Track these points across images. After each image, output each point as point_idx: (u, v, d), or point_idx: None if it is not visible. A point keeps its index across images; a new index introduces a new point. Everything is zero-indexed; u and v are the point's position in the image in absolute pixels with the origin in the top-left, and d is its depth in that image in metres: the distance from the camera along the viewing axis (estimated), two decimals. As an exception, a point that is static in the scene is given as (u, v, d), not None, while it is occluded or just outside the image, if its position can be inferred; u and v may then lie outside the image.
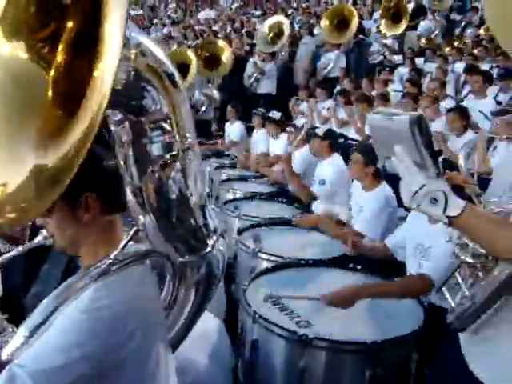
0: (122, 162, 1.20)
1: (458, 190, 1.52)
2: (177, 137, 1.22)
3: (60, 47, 1.04)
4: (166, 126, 1.20)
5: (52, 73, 1.03)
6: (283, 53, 10.03)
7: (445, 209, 1.33)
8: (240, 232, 3.59)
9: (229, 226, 4.09)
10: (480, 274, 1.53)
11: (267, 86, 9.20)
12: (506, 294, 1.49)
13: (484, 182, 1.92)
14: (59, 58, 1.04)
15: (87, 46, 0.96)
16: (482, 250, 1.49)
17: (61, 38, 1.03)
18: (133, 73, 1.10)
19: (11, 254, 1.52)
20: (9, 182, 0.96)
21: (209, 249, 1.35)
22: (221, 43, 8.95)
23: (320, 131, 4.40)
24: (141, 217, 1.26)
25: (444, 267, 2.45)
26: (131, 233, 1.26)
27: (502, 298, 1.51)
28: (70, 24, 1.03)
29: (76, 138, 0.92)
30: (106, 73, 0.91)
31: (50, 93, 1.02)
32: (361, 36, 9.91)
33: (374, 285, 2.50)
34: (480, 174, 4.39)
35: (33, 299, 2.59)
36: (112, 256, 1.22)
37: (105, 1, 0.92)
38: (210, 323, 2.19)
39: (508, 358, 1.55)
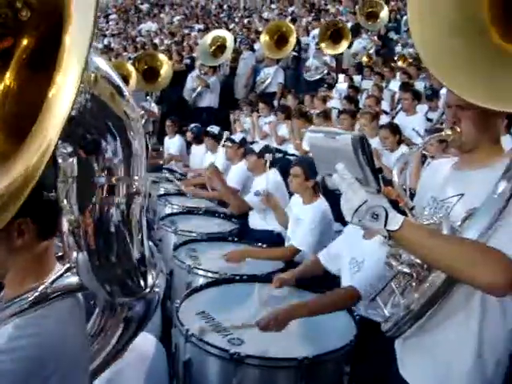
0: (62, 196, 1.16)
1: (394, 204, 1.58)
2: (124, 180, 1.18)
3: (12, 65, 0.98)
4: (115, 167, 1.16)
5: (2, 92, 0.97)
6: (226, 66, 10.12)
7: (385, 223, 1.38)
8: (176, 247, 3.55)
9: (165, 241, 4.05)
10: (414, 283, 1.60)
11: (209, 100, 9.22)
12: (439, 301, 1.56)
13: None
14: (9, 77, 0.98)
15: (43, 66, 0.90)
16: (417, 260, 1.56)
17: (14, 56, 0.98)
18: (90, 99, 1.06)
19: None
20: None
21: (147, 290, 1.32)
22: (160, 56, 8.86)
23: (257, 147, 4.43)
24: (74, 253, 1.22)
25: (373, 279, 2.54)
26: (62, 270, 1.24)
27: (436, 305, 1.57)
28: (25, 41, 0.98)
29: (25, 165, 0.86)
30: (63, 97, 0.84)
31: None
32: (294, 53, 10.15)
33: (305, 305, 2.52)
34: (414, 190, 4.66)
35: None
36: (39, 290, 1.18)
37: (68, 18, 0.86)
38: (147, 343, 2.15)
39: (441, 363, 1.62)
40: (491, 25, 1.45)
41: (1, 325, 1.13)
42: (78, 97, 0.84)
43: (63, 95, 0.84)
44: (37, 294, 1.17)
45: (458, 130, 1.61)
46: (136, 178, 1.20)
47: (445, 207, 1.63)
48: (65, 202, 1.16)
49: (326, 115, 6.36)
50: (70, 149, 1.11)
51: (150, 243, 1.38)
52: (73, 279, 1.26)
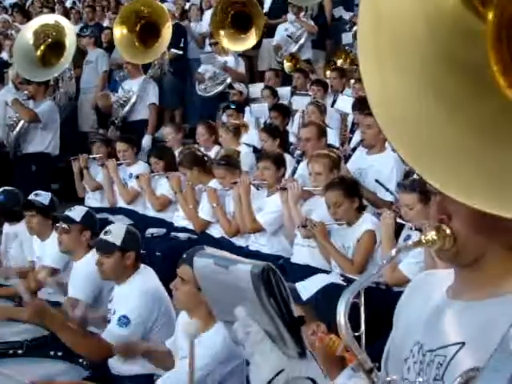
0: None
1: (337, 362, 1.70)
2: None
3: None
4: None
5: None
6: (67, 79, 9.98)
7: None
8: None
9: None
10: None
11: (41, 141, 9.04)
12: None
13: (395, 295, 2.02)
14: None
15: None
16: None
17: None
18: None
19: None
20: None
21: None
22: None
23: (115, 235, 4.53)
24: None
25: None
26: None
27: None
28: None
29: None
30: None
31: None
32: (175, 51, 10.33)
33: None
34: (390, 286, 4.68)
35: None
36: None
37: None
38: None
39: None
40: (500, 75, 1.43)
41: None
42: None
43: None
44: None
45: (448, 231, 1.59)
46: None
47: (435, 363, 1.64)
48: None
49: (229, 163, 6.50)
50: None
51: None
52: None
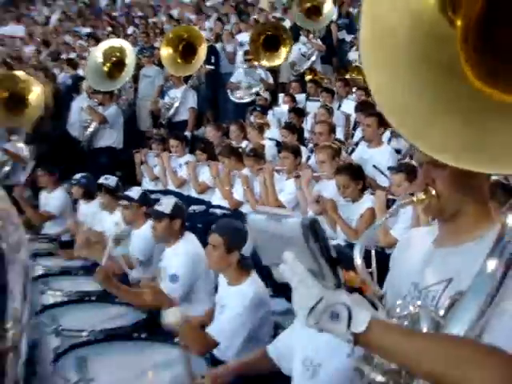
0: None
1: (358, 293, 1.68)
2: None
3: None
4: None
5: None
6: (128, 89, 10.13)
7: (349, 325, 1.47)
8: (57, 357, 3.46)
9: (42, 347, 3.94)
10: None
11: (109, 138, 9.15)
12: None
13: (387, 256, 2.10)
14: None
15: None
16: (392, 366, 1.62)
17: None
18: None
19: None
20: None
21: None
22: (25, 77, 8.47)
23: (165, 207, 4.47)
24: None
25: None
26: None
27: None
28: None
29: None
30: None
31: None
32: (208, 66, 10.37)
33: None
34: (381, 248, 4.77)
35: None
36: None
37: None
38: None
39: None
40: (467, 65, 1.52)
41: None
42: None
43: None
44: None
45: (433, 192, 1.71)
46: (9, 325, 1.20)
47: (430, 297, 1.71)
48: None
49: (256, 154, 6.54)
50: None
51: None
52: None
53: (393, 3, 1.62)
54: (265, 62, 10.00)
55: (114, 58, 9.49)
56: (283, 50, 10.02)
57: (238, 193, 6.53)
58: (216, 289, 4.09)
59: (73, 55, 12.46)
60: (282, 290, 4.02)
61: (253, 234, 1.81)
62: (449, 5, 1.56)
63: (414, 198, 1.74)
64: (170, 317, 2.96)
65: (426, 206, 1.74)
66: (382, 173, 5.80)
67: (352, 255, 1.77)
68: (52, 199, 6.96)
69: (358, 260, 1.75)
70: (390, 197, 4.94)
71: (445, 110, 1.53)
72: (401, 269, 1.91)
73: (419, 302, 1.71)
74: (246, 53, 10.53)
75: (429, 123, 1.53)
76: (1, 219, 1.24)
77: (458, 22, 1.55)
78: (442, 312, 1.62)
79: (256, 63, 10.06)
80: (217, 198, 6.75)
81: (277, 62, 10.08)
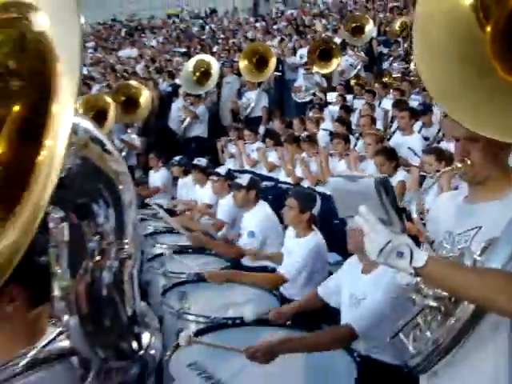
0: (53, 261, 1.19)
1: (414, 240, 1.70)
2: (115, 243, 1.22)
3: (2, 133, 1.04)
4: (106, 232, 1.21)
5: None
6: (212, 93, 10.24)
7: (411, 261, 1.49)
8: (165, 291, 3.57)
9: (154, 284, 4.07)
10: (440, 317, 1.67)
11: (198, 130, 9.29)
12: (468, 334, 1.65)
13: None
14: (2, 144, 1.03)
15: (32, 133, 0.96)
16: (444, 293, 1.64)
17: (4, 124, 1.03)
18: (82, 163, 1.11)
19: None
20: None
21: (141, 352, 1.34)
22: (137, 85, 8.94)
23: (244, 180, 4.50)
24: (65, 316, 1.24)
25: (372, 318, 2.60)
26: (54, 334, 1.26)
27: (464, 338, 1.65)
28: (15, 109, 1.03)
29: (14, 235, 0.90)
30: (52, 162, 0.89)
31: None
32: (277, 73, 10.33)
33: (299, 339, 2.59)
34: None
35: None
36: (31, 354, 1.20)
37: (53, 89, 0.93)
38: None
39: None
40: (494, 60, 1.54)
41: None
42: (67, 160, 0.91)
43: (52, 159, 0.90)
44: (28, 359, 1.19)
45: (469, 162, 1.72)
46: (127, 240, 1.25)
47: (463, 241, 1.73)
48: (56, 267, 1.19)
49: (311, 139, 6.47)
50: (61, 214, 1.15)
51: (143, 303, 1.42)
52: (65, 343, 1.28)
53: (438, 22, 1.62)
54: (319, 70, 9.92)
55: (202, 69, 9.62)
56: (334, 61, 9.93)
57: (299, 171, 6.49)
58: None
59: (172, 69, 12.59)
60: (335, 247, 4.01)
61: (333, 192, 1.79)
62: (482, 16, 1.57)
63: (454, 167, 1.76)
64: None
65: (462, 173, 1.75)
66: (416, 154, 5.67)
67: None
68: (158, 177, 7.09)
69: (414, 213, 1.80)
70: (422, 173, 4.89)
71: (485, 96, 1.54)
72: (437, 223, 1.90)
73: (460, 246, 1.72)
74: (305, 63, 10.47)
75: (474, 107, 1.54)
76: (125, 185, 1.29)
77: (488, 28, 1.56)
78: (478, 253, 1.63)
79: (313, 71, 9.98)
80: (283, 176, 6.73)
81: (329, 69, 9.99)
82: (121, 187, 1.24)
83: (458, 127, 1.68)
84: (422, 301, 1.67)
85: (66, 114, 0.92)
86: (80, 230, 1.19)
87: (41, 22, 0.99)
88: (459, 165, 1.73)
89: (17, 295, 1.21)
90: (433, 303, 1.66)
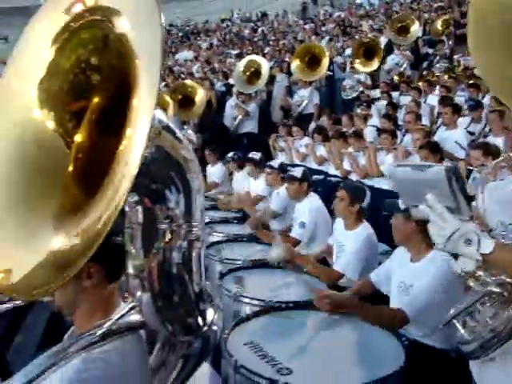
0: (128, 242, 1.25)
1: None
2: (185, 226, 1.27)
3: (84, 124, 1.08)
4: (176, 215, 1.25)
5: (74, 148, 1.06)
6: (262, 92, 10.24)
7: (478, 248, 1.48)
8: (221, 276, 3.61)
9: (211, 269, 4.12)
10: (499, 303, 1.64)
11: (249, 126, 9.34)
12: None
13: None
14: (81, 135, 1.08)
15: (112, 124, 1.00)
16: (508, 280, 1.60)
17: (86, 115, 1.08)
18: (156, 151, 1.15)
19: None
20: (25, 263, 0.98)
21: (205, 328, 1.38)
22: (193, 84, 9.09)
23: (297, 173, 4.48)
24: (138, 293, 1.30)
25: (421, 304, 2.56)
26: (126, 308, 1.32)
27: None
28: (95, 102, 1.08)
29: (96, 218, 0.93)
30: (133, 151, 0.91)
31: (70, 168, 1.05)
32: (328, 72, 10.20)
33: (361, 305, 2.68)
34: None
35: (17, 349, 2.61)
36: (106, 326, 1.27)
37: (135, 84, 0.96)
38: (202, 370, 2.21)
39: None
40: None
41: (71, 358, 1.21)
42: (146, 149, 0.92)
43: (133, 148, 0.92)
44: (103, 329, 1.27)
45: None
46: (195, 223, 1.28)
47: None
48: (131, 247, 1.25)
49: (357, 135, 6.37)
50: (136, 198, 1.21)
51: (207, 282, 1.45)
52: (136, 317, 1.35)
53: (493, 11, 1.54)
54: (362, 69, 9.82)
55: (252, 69, 9.66)
56: (376, 60, 9.83)
57: (347, 165, 6.42)
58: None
59: (225, 69, 12.67)
60: (384, 237, 3.95)
61: (397, 181, 1.75)
62: None
63: (507, 156, 1.76)
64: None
65: None
66: (462, 147, 5.55)
67: None
68: (215, 172, 7.14)
69: (474, 202, 1.74)
70: (469, 167, 4.76)
71: None
72: (490, 212, 1.84)
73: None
74: (351, 62, 10.36)
75: None
76: (193, 171, 1.31)
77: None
78: None
79: (357, 69, 9.91)
80: (332, 169, 6.67)
81: (371, 68, 9.86)
82: (190, 174, 1.27)
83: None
84: (482, 287, 1.62)
85: (145, 107, 0.94)
86: (153, 214, 1.23)
87: (122, 24, 1.03)
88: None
89: (94, 272, 1.27)
90: (495, 289, 1.62)
